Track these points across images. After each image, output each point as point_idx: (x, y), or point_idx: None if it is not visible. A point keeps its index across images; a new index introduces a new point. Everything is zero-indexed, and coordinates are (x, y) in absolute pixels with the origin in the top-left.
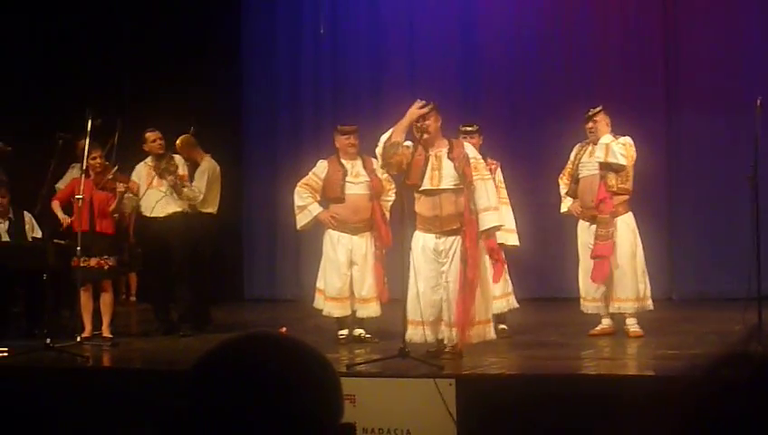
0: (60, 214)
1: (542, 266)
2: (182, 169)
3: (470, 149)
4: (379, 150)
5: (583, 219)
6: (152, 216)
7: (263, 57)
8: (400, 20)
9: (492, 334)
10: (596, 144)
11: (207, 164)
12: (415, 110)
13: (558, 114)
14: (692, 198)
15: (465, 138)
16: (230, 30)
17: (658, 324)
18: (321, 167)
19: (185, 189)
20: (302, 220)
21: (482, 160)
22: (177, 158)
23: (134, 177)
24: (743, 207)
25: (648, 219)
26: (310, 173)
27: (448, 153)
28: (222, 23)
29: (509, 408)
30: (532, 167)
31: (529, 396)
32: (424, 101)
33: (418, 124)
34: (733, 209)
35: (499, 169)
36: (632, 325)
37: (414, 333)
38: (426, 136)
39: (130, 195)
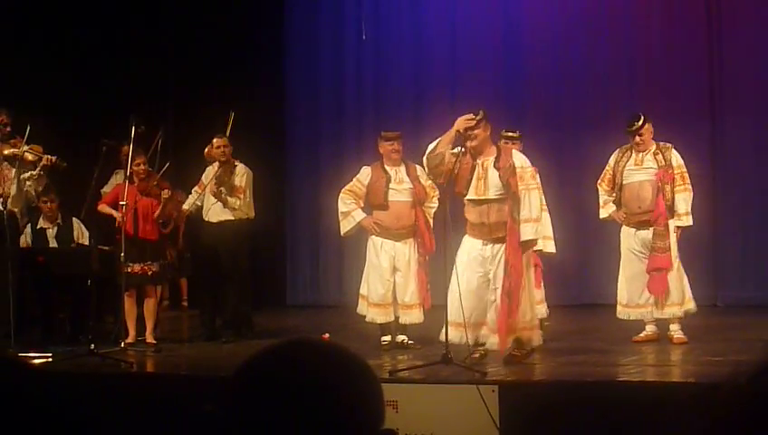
0: (111, 211)
1: (583, 273)
2: (239, 181)
3: (518, 158)
4: (425, 160)
5: (628, 226)
6: (206, 220)
7: (305, 64)
8: (442, 26)
9: (539, 340)
10: (643, 152)
11: (244, 169)
12: (462, 121)
13: (599, 120)
14: (736, 204)
15: (506, 144)
16: (273, 37)
17: (703, 331)
18: (365, 173)
19: (230, 199)
20: (345, 226)
21: (529, 169)
22: (239, 168)
23: (203, 178)
24: None
25: (693, 226)
26: (353, 179)
27: (495, 162)
28: (265, 30)
29: (552, 414)
30: (573, 173)
31: (573, 402)
32: (472, 114)
33: (467, 133)
34: None
35: (537, 176)
36: (676, 332)
37: (453, 335)
38: (474, 144)
39: (199, 192)
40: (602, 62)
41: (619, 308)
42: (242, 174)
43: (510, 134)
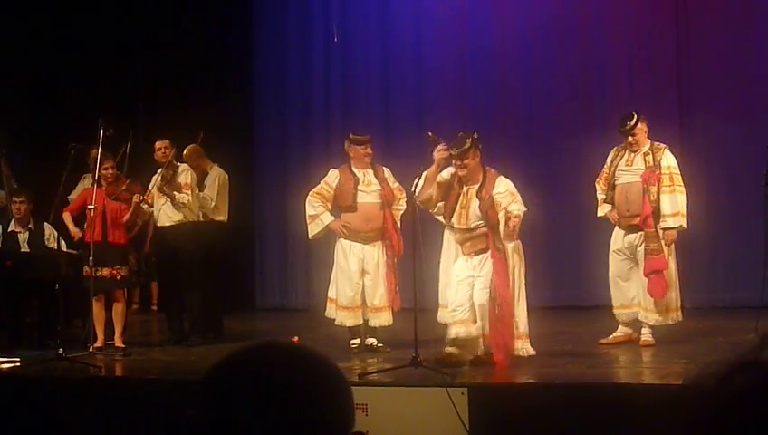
0: (71, 226)
1: (559, 275)
2: (184, 178)
3: (500, 185)
4: (416, 199)
5: (620, 227)
6: (159, 224)
7: (274, 67)
8: (409, 29)
9: (530, 350)
10: (635, 152)
11: (216, 172)
12: (437, 156)
13: (572, 122)
14: (705, 207)
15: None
16: (242, 39)
17: (671, 333)
18: (333, 176)
19: (177, 195)
20: (313, 229)
21: (507, 195)
22: (182, 167)
23: (150, 186)
24: (755, 216)
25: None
26: (321, 182)
27: (479, 190)
28: (234, 32)
29: (522, 417)
30: (547, 175)
31: (542, 405)
32: (443, 146)
33: (457, 163)
34: (745, 218)
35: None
36: (645, 335)
37: (442, 316)
38: (463, 173)
39: (146, 205)
40: (573, 65)
41: (614, 309)
42: (187, 172)
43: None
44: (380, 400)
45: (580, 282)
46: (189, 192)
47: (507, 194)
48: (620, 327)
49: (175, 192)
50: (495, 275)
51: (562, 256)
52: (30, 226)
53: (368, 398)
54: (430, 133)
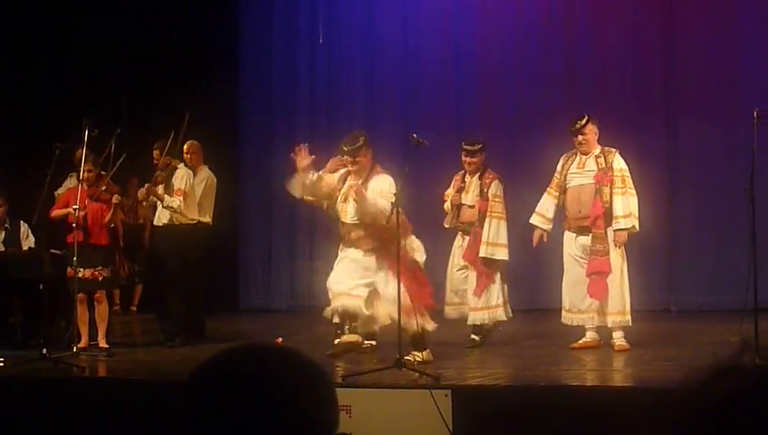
0: (64, 210)
1: (537, 277)
2: (179, 183)
3: (377, 183)
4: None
5: (569, 231)
6: (155, 223)
7: (259, 68)
8: (394, 29)
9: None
10: (585, 155)
11: (206, 174)
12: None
13: (556, 127)
14: (690, 210)
15: (465, 157)
16: (227, 39)
17: (656, 336)
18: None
19: (167, 197)
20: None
21: (377, 193)
22: (181, 171)
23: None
24: (741, 218)
25: (647, 231)
26: None
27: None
28: (220, 34)
29: (505, 419)
30: (528, 180)
31: (525, 407)
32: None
33: (349, 159)
34: (731, 221)
35: (496, 183)
36: (618, 339)
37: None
38: (354, 169)
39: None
40: (558, 70)
41: (563, 313)
42: (182, 176)
43: (468, 148)
44: (364, 401)
45: (559, 283)
46: (181, 198)
47: (378, 193)
48: (590, 332)
49: (166, 195)
50: (400, 274)
51: (545, 257)
52: (6, 225)
53: (352, 399)
54: (414, 135)
